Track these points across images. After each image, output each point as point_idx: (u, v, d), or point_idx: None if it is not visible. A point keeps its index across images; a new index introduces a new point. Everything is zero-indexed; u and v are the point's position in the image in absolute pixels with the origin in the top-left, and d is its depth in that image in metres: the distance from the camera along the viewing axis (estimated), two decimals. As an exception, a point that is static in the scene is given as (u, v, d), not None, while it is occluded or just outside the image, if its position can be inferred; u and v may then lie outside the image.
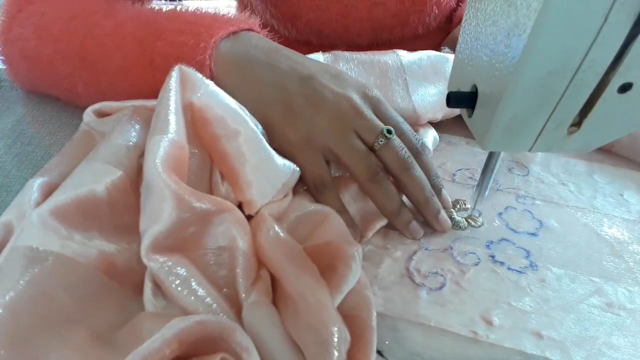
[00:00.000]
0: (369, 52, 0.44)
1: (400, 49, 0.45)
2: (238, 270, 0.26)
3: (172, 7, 0.40)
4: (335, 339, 0.23)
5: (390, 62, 0.42)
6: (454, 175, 0.41)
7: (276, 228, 0.29)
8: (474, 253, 0.33)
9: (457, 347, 0.27)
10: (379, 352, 0.26)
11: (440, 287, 0.31)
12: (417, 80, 0.42)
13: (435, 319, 0.29)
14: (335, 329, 0.23)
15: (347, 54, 0.43)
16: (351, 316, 0.27)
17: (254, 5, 0.59)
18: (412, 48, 0.46)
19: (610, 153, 0.45)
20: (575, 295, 0.30)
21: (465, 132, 0.47)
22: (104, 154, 0.29)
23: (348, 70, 0.41)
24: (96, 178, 0.27)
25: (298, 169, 0.34)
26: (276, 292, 0.27)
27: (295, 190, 0.36)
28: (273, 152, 0.32)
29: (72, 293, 0.24)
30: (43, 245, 0.24)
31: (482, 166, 0.41)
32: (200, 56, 0.35)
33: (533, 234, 0.35)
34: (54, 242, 0.25)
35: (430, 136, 0.43)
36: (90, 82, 0.40)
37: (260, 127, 0.34)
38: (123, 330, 0.25)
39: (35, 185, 0.29)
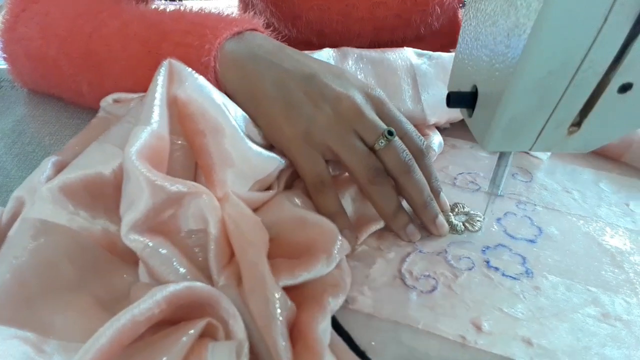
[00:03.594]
0: (378, 50, 0.43)
1: None
2: (210, 255, 0.27)
3: (176, 7, 0.40)
4: (277, 304, 0.25)
5: (400, 60, 0.42)
6: (454, 179, 0.41)
7: (236, 200, 0.30)
8: (469, 258, 0.33)
9: (444, 351, 0.27)
10: (362, 353, 0.26)
11: (432, 290, 0.30)
12: (427, 80, 0.42)
13: (424, 321, 0.28)
14: (275, 294, 0.25)
15: (356, 51, 0.42)
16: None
17: (255, 4, 0.59)
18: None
19: (619, 162, 0.44)
20: (570, 304, 0.30)
21: (470, 136, 0.47)
22: (115, 137, 0.31)
23: (357, 69, 0.41)
24: (105, 160, 0.29)
25: (283, 161, 0.34)
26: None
27: (291, 185, 0.36)
28: (254, 149, 0.32)
29: (76, 263, 0.26)
30: (52, 218, 0.26)
31: (484, 170, 0.41)
32: (205, 58, 0.36)
33: (531, 241, 0.34)
34: (62, 215, 0.26)
35: (436, 140, 0.42)
36: (95, 82, 0.41)
37: (243, 124, 0.34)
38: (123, 304, 0.25)
39: (50, 163, 0.31)
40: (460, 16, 0.65)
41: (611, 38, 0.21)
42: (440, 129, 0.45)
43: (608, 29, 0.21)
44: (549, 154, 0.44)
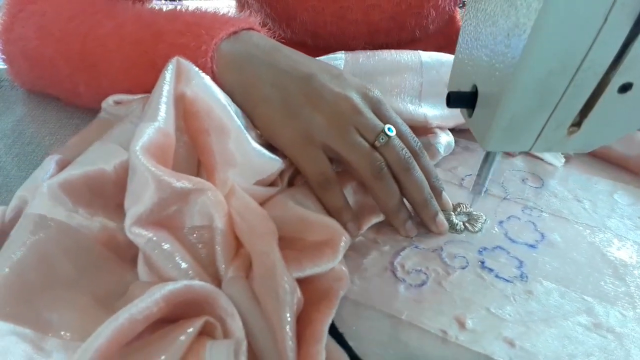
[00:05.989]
0: (392, 50, 0.44)
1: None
2: (217, 247, 0.28)
3: (172, 7, 0.39)
4: (288, 290, 0.25)
5: (410, 63, 0.42)
6: (462, 179, 0.41)
7: (241, 193, 0.30)
8: (464, 257, 0.33)
9: (424, 344, 0.27)
10: (340, 335, 0.27)
11: (421, 285, 0.31)
12: (433, 85, 0.42)
13: (408, 313, 0.29)
14: (285, 278, 0.25)
15: (368, 52, 0.43)
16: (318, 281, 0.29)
17: (250, 4, 0.58)
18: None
19: (639, 175, 0.42)
20: (561, 311, 0.29)
21: (485, 139, 0.46)
22: (117, 136, 0.31)
23: (367, 64, 0.41)
24: (106, 158, 0.29)
25: (280, 160, 0.34)
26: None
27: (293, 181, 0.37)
28: (256, 150, 0.32)
29: (74, 260, 0.26)
30: (50, 214, 0.26)
31: (494, 174, 0.40)
32: (202, 59, 0.35)
33: (532, 246, 0.34)
34: (60, 211, 0.27)
35: (443, 140, 0.42)
36: (92, 83, 0.40)
37: (244, 123, 0.34)
38: (121, 301, 0.26)
39: (53, 162, 0.32)
40: (457, 17, 0.64)
41: (611, 38, 0.21)
42: (455, 130, 0.45)
43: (608, 29, 0.21)
44: (563, 160, 0.43)
